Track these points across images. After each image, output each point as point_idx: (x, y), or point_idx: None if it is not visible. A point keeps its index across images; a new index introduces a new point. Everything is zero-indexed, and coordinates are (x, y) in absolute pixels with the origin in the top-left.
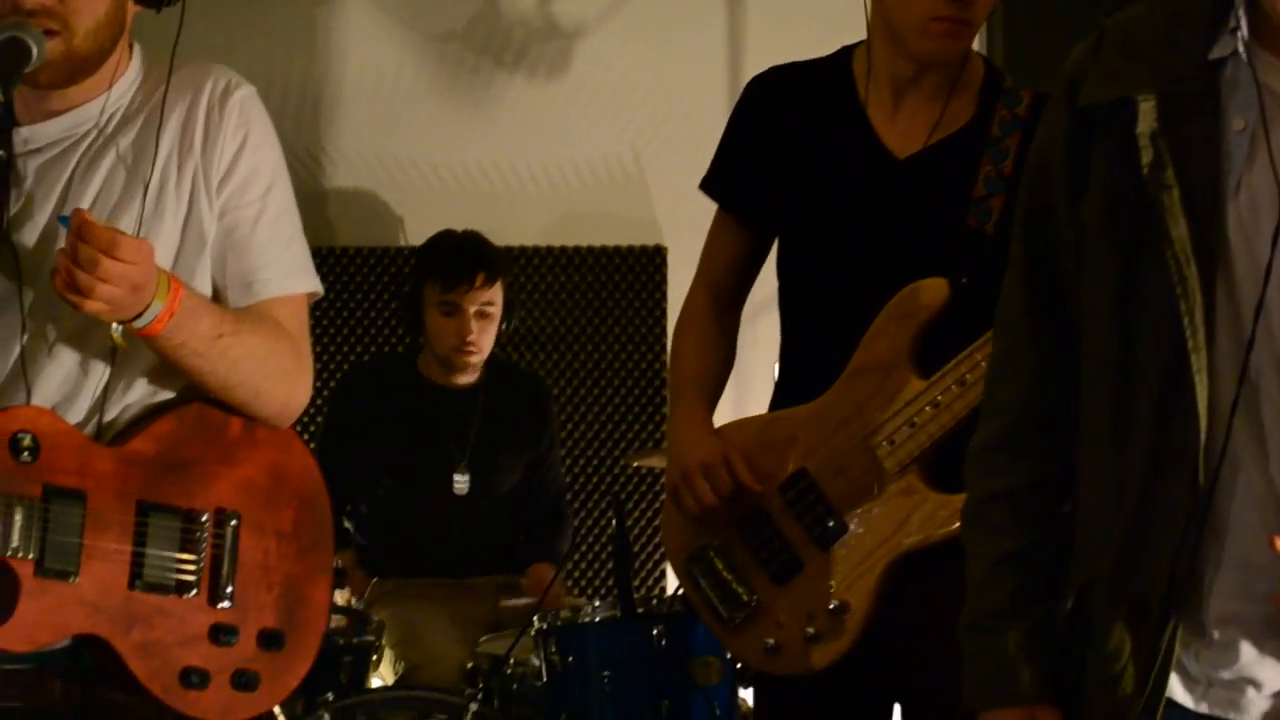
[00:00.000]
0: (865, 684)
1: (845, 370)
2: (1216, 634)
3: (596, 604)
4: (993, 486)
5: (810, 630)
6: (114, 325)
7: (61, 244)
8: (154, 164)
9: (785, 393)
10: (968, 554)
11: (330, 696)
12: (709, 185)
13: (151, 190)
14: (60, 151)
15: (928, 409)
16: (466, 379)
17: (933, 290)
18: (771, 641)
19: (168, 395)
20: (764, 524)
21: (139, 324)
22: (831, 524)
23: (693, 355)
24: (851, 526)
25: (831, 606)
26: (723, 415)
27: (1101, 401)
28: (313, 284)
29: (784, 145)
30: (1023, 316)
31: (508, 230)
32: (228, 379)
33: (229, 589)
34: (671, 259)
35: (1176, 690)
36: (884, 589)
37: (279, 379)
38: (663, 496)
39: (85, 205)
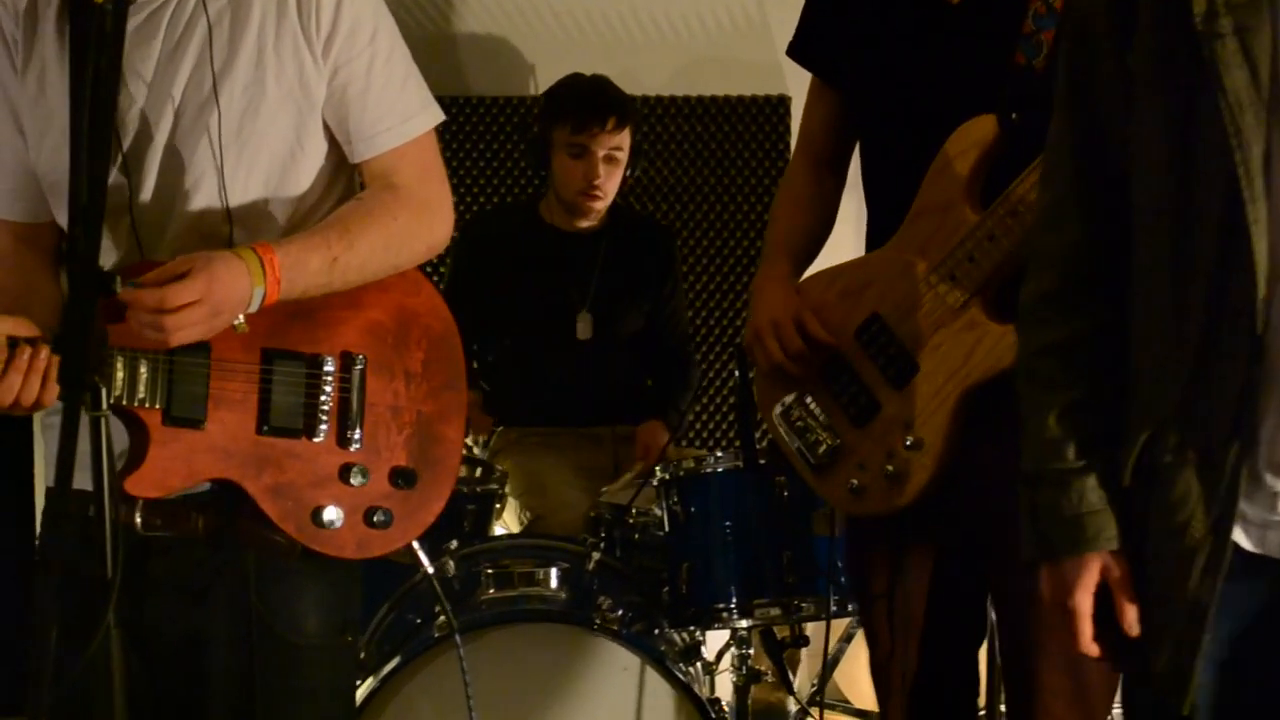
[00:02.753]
0: (951, 527)
1: (909, 213)
2: (1270, 479)
3: (719, 454)
4: (1045, 340)
5: (890, 469)
6: (235, 322)
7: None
8: (248, 27)
9: (871, 242)
10: (1024, 408)
11: (454, 544)
12: (794, 50)
13: (247, 54)
14: (149, 15)
15: (985, 242)
16: (589, 224)
17: (981, 127)
18: (855, 483)
19: None
20: (843, 369)
21: (252, 309)
22: (904, 363)
23: (784, 217)
24: (922, 365)
25: (908, 443)
26: None
27: (1158, 251)
28: (434, 117)
29: (856, 2)
30: (1069, 167)
31: (631, 79)
32: (359, 280)
33: (357, 430)
34: (795, 109)
35: (1236, 534)
36: (957, 423)
37: (413, 247)
38: None
39: (182, 77)
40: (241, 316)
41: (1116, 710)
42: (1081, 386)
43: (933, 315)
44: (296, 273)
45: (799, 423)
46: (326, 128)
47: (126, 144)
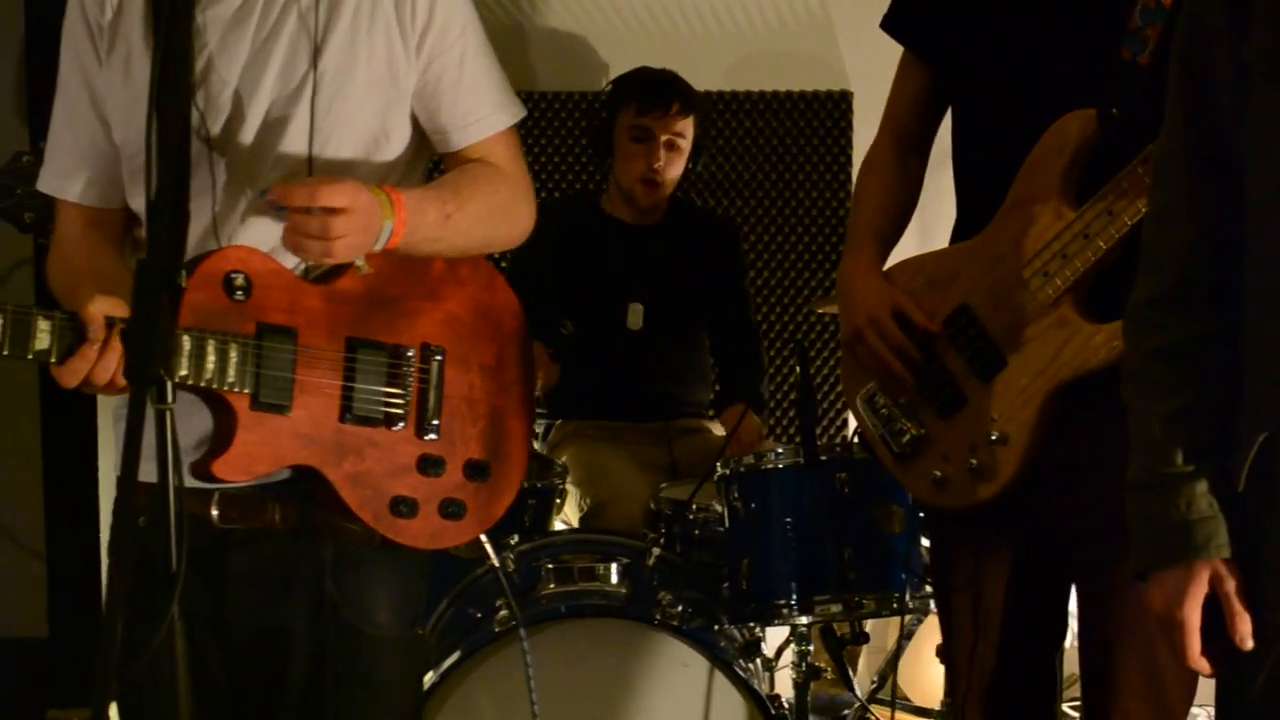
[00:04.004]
0: (1033, 523)
1: (1003, 205)
2: None
3: (780, 450)
4: (1156, 343)
5: (973, 462)
6: (357, 263)
7: (253, 101)
8: (342, 13)
9: (960, 229)
10: (1131, 412)
11: (514, 539)
12: (890, 24)
13: (340, 40)
14: (243, 2)
15: (1080, 239)
16: (649, 217)
17: (1081, 122)
18: (938, 474)
19: None
20: (930, 359)
21: (377, 246)
22: (991, 356)
23: (870, 199)
24: (1011, 359)
25: (993, 438)
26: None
27: (1274, 247)
28: (520, 110)
29: None
30: (1183, 166)
31: (694, 74)
32: (463, 245)
33: (435, 422)
34: (857, 104)
35: None
36: (1044, 420)
37: (507, 225)
38: None
39: (275, 63)
40: (363, 257)
41: (1195, 710)
42: (1192, 391)
43: (1023, 310)
44: (418, 219)
45: (884, 410)
46: (412, 118)
47: (217, 128)
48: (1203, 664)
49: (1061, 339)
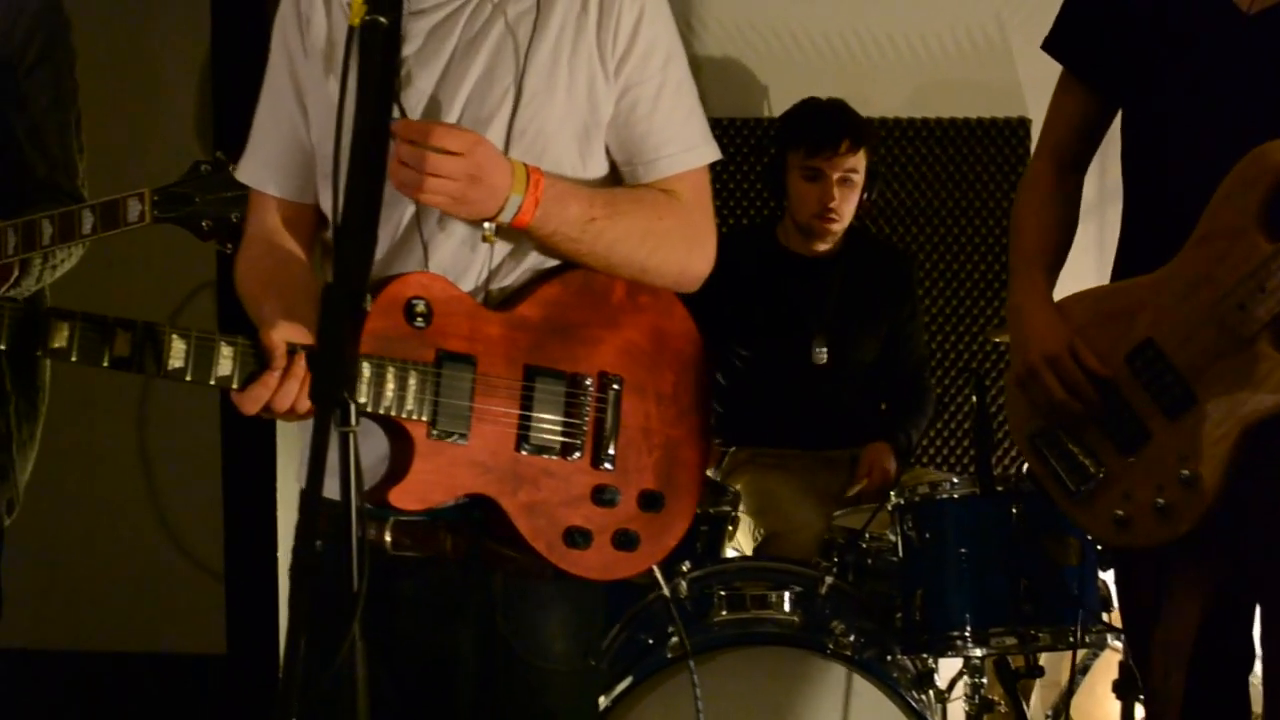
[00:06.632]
0: (1223, 563)
1: (1191, 236)
2: None
3: (955, 480)
4: None
5: (1160, 501)
6: (484, 224)
7: (448, 110)
8: (545, 35)
9: (1129, 261)
10: None
11: (686, 565)
12: (1052, 45)
13: (542, 61)
14: (446, 15)
15: (1278, 273)
16: (825, 248)
17: (1278, 152)
18: (1120, 514)
19: (555, 264)
20: (1110, 395)
21: (503, 217)
22: (1180, 393)
23: (1033, 226)
24: (1201, 395)
25: (1182, 476)
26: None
27: None
28: (713, 154)
29: (1129, 2)
30: None
31: (867, 101)
32: (608, 259)
33: (611, 451)
34: (1035, 131)
35: None
36: (1236, 459)
37: (666, 254)
38: None
39: (473, 76)
40: (490, 224)
41: None
42: None
43: (1215, 345)
44: (555, 207)
45: (1056, 448)
46: (607, 149)
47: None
48: None
49: (1259, 374)
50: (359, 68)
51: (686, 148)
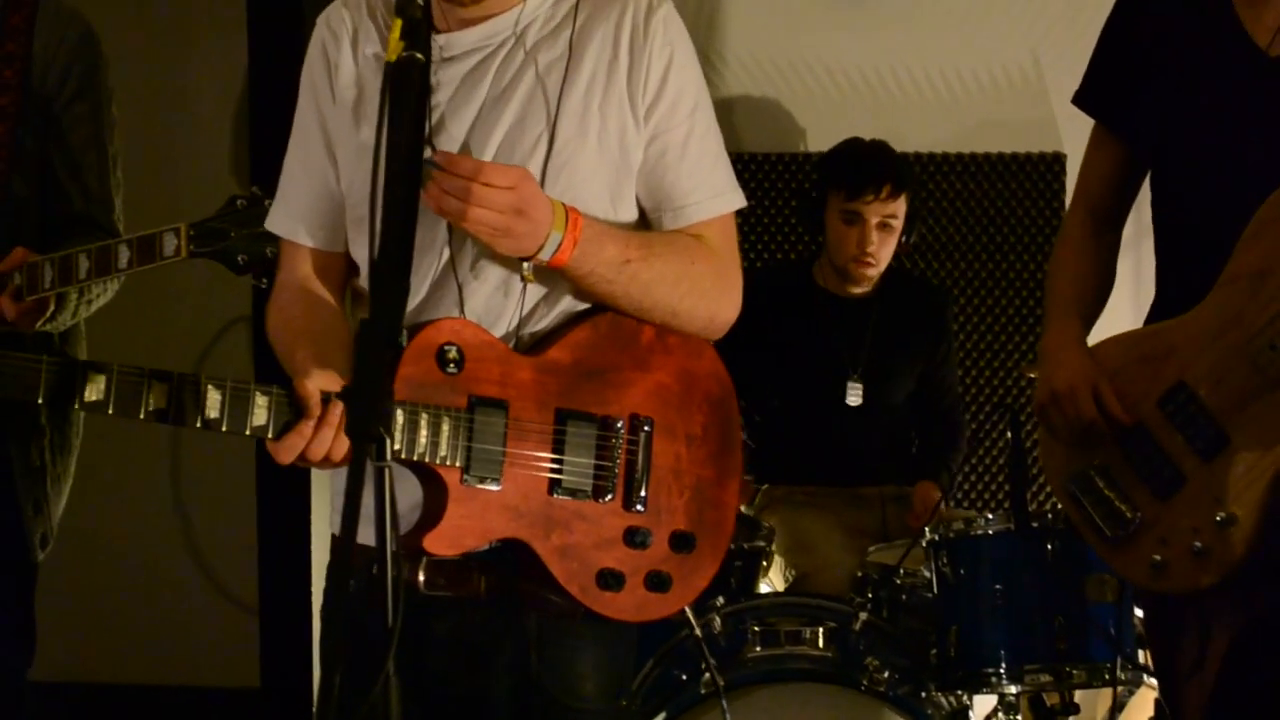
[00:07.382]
0: (1262, 605)
1: (1220, 278)
2: None
3: (990, 516)
4: None
5: (1197, 545)
6: (524, 264)
7: (481, 156)
8: (577, 83)
9: (1164, 303)
10: None
11: (720, 601)
12: (1082, 99)
13: (573, 109)
14: (478, 62)
15: None
16: (861, 289)
17: None
18: (1158, 558)
19: (586, 307)
20: (1144, 439)
21: (543, 256)
22: (1213, 434)
23: (1068, 274)
24: (1235, 437)
25: (1218, 519)
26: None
27: None
28: (739, 200)
29: (1155, 51)
30: None
31: (903, 136)
32: (641, 302)
33: (643, 493)
34: (1071, 166)
35: None
36: (1273, 500)
37: (696, 299)
38: None
39: (505, 123)
40: (529, 265)
41: None
42: None
43: (1248, 385)
44: (592, 247)
45: (1091, 493)
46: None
47: None
48: None
49: None
50: (391, 107)
51: (714, 194)
